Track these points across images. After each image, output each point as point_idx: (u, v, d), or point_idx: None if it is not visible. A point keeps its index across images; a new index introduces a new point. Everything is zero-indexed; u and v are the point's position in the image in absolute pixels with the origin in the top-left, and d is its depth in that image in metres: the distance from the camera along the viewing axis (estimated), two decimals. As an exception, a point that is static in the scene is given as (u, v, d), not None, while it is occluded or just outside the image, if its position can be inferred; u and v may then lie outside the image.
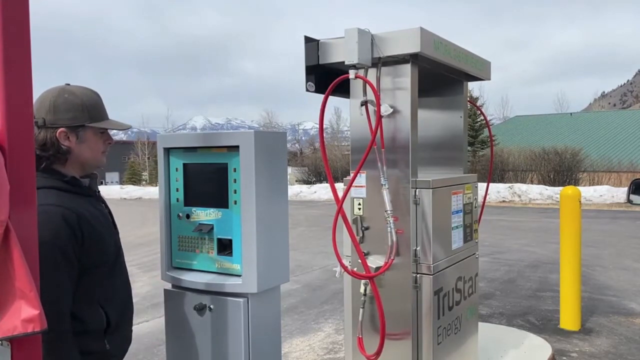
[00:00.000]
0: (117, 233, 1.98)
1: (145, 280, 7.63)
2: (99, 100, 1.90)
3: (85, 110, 1.82)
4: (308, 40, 2.99)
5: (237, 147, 2.09)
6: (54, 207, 1.70)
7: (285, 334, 5.14)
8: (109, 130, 1.93)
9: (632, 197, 3.76)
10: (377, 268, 2.82)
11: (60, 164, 1.82)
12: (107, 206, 1.99)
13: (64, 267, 1.68)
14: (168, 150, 2.31)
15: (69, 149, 1.80)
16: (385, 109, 2.87)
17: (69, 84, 1.89)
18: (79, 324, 1.72)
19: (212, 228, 2.19)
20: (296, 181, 31.81)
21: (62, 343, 1.65)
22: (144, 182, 39.20)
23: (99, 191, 1.98)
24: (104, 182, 45.91)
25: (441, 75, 3.47)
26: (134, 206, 21.08)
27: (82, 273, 1.75)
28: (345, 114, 49.95)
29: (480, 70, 3.58)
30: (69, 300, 1.69)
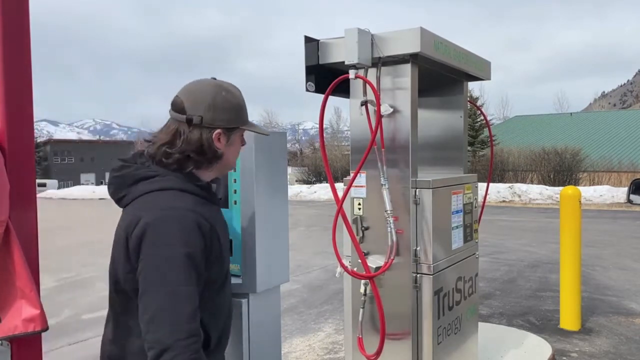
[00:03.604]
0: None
1: (145, 280, 7.63)
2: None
3: (240, 112, 1.68)
4: (308, 40, 2.99)
5: (237, 147, 2.09)
6: (191, 213, 1.52)
7: (285, 334, 5.14)
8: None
9: (632, 197, 3.76)
10: (377, 268, 2.82)
11: (205, 168, 1.64)
12: None
13: (195, 281, 1.48)
14: (168, 150, 2.31)
15: (223, 153, 1.65)
16: (385, 109, 2.86)
17: (214, 78, 1.69)
18: None
19: (212, 228, 2.18)
20: (296, 181, 31.80)
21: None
22: (144, 182, 39.10)
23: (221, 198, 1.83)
24: (103, 182, 45.77)
25: (441, 75, 3.47)
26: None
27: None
28: (345, 114, 49.97)
29: (480, 70, 3.58)
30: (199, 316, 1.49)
